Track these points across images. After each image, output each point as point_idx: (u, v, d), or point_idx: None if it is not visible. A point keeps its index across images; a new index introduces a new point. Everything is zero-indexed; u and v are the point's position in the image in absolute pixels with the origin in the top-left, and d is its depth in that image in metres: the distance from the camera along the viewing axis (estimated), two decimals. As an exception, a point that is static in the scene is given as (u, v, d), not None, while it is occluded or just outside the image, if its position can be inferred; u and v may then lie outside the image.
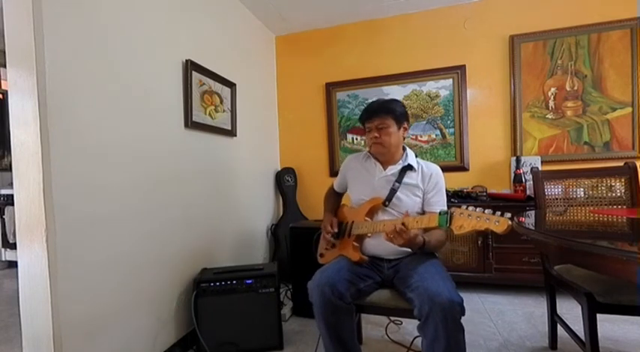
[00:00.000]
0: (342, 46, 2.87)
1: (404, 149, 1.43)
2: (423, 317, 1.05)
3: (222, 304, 1.63)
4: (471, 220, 1.00)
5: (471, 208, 1.02)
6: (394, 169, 1.38)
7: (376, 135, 1.34)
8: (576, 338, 1.37)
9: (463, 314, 1.04)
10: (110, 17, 1.36)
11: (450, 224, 1.04)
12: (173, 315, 1.64)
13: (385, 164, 1.41)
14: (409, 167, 1.37)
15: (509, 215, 0.93)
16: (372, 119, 1.34)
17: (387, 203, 1.34)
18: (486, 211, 0.98)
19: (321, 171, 2.96)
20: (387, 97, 2.65)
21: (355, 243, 1.36)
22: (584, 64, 2.38)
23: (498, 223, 0.94)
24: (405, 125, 1.38)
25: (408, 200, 1.34)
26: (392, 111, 1.33)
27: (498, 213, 0.95)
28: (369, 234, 1.33)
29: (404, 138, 1.41)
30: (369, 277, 1.30)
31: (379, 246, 1.32)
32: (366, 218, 1.35)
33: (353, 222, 1.39)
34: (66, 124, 1.17)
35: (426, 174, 1.36)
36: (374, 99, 1.47)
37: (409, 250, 1.31)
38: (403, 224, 1.13)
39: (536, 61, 2.45)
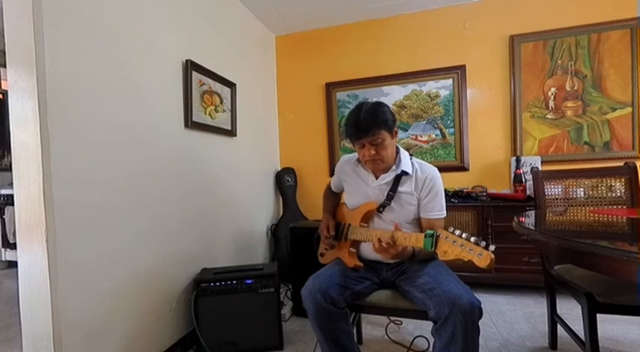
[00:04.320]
0: (342, 46, 2.87)
1: (397, 151, 1.33)
2: (441, 319, 1.03)
3: (222, 304, 1.63)
4: (455, 248, 0.95)
5: (457, 232, 0.97)
6: (388, 178, 1.30)
7: (373, 152, 1.22)
8: (576, 338, 1.37)
9: (481, 317, 1.03)
10: (110, 17, 1.36)
11: (436, 247, 1.01)
12: (173, 315, 1.64)
13: (378, 172, 1.33)
14: (403, 173, 1.29)
15: (493, 248, 0.89)
16: (365, 136, 1.21)
17: (381, 209, 1.31)
18: (472, 239, 0.93)
19: (321, 171, 2.96)
20: (386, 97, 2.72)
21: (352, 249, 1.35)
22: (584, 64, 2.38)
23: (481, 256, 0.89)
24: (396, 129, 1.28)
25: (401, 210, 1.30)
26: (384, 123, 1.20)
27: (483, 243, 0.91)
28: (364, 241, 1.32)
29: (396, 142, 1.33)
30: (367, 279, 1.29)
31: None
32: (362, 224, 1.33)
33: (350, 225, 1.37)
34: (66, 124, 1.17)
35: (420, 179, 1.28)
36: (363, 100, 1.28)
37: None
38: (392, 238, 1.12)
39: (536, 61, 2.45)
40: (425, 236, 1.03)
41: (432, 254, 1.03)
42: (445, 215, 1.30)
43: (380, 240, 1.14)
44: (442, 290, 1.07)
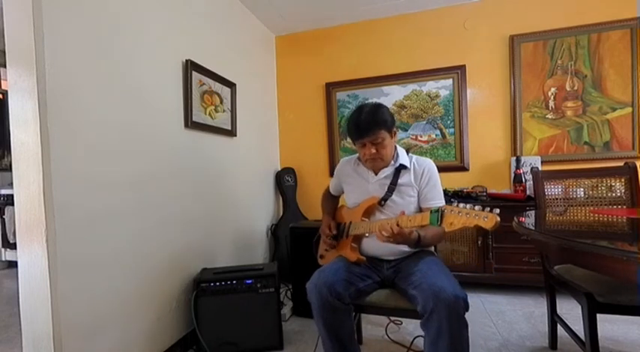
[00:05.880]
0: (342, 46, 2.87)
1: (394, 148, 1.39)
2: (427, 313, 1.05)
3: (222, 304, 1.63)
4: (460, 217, 0.98)
5: (461, 205, 1.01)
6: (387, 171, 1.36)
7: (373, 151, 1.28)
8: (576, 338, 1.37)
9: (467, 310, 1.04)
10: (110, 17, 1.36)
11: (441, 222, 1.03)
12: (173, 315, 1.64)
13: (377, 169, 1.38)
14: (402, 166, 1.35)
15: (497, 211, 0.92)
16: (366, 136, 1.27)
17: (382, 202, 1.34)
18: (476, 207, 0.97)
19: (321, 171, 2.96)
20: (386, 97, 2.73)
21: (353, 244, 1.36)
22: (584, 64, 2.38)
23: (487, 219, 0.93)
24: (395, 129, 1.34)
25: (402, 201, 1.34)
26: (384, 124, 1.27)
27: (487, 209, 0.94)
28: (367, 234, 1.33)
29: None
30: (368, 277, 1.30)
31: (378, 247, 1.32)
32: (363, 218, 1.35)
33: (351, 222, 1.39)
34: (66, 124, 1.17)
35: (418, 171, 1.35)
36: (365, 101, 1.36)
37: (408, 250, 1.31)
38: (397, 224, 1.13)
39: (536, 61, 2.45)
40: (430, 212, 1.06)
41: (440, 232, 1.05)
42: (444, 204, 1.32)
43: (387, 226, 1.14)
44: (427, 284, 1.08)
